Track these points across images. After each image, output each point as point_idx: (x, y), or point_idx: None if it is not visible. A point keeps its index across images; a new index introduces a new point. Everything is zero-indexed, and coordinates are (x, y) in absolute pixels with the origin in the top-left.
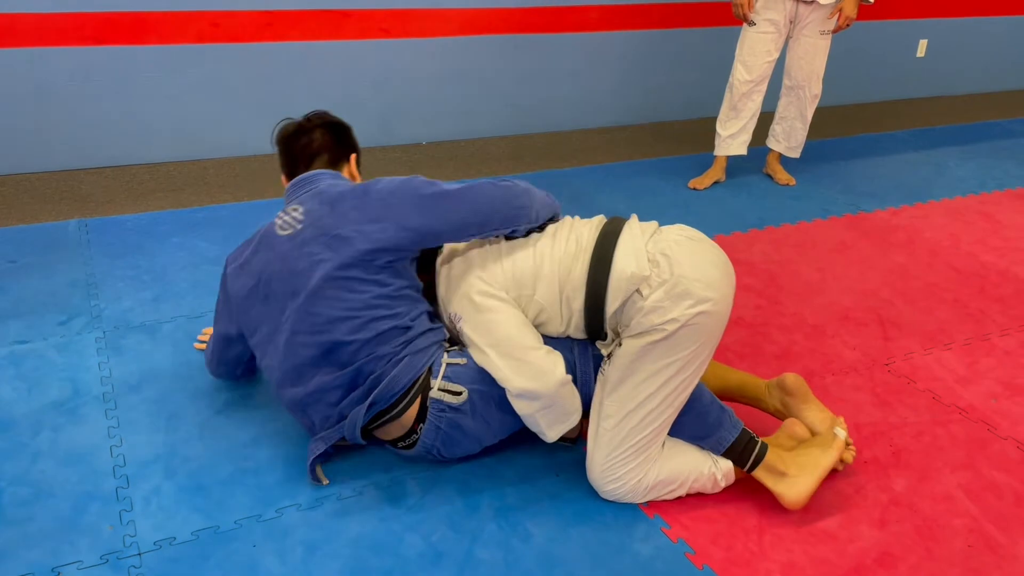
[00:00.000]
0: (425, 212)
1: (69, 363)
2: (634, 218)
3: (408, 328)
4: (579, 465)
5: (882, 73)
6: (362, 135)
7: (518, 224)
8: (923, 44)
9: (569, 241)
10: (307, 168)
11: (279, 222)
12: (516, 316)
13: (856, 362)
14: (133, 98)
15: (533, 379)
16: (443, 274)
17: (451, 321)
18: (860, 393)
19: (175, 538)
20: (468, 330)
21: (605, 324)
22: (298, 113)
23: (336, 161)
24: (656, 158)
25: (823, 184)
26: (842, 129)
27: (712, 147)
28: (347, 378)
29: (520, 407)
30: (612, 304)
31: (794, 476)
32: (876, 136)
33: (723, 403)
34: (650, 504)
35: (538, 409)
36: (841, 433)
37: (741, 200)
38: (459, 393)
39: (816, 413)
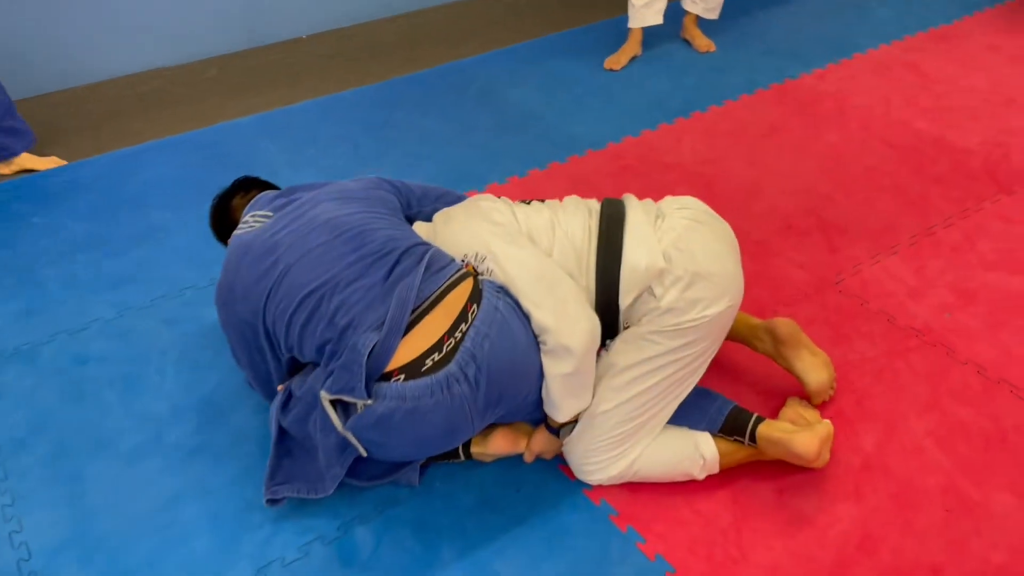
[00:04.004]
0: None
1: None
2: (632, 199)
3: None
4: (538, 473)
5: None
6: (227, 38)
7: None
8: None
9: (575, 218)
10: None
11: None
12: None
13: (805, 285)
14: None
15: (571, 326)
16: (437, 230)
17: (468, 262)
18: (815, 325)
19: None
20: (501, 268)
21: (620, 320)
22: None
23: None
24: (566, 30)
25: (744, 47)
26: None
27: (625, 8)
28: None
29: (551, 366)
30: (625, 298)
31: (802, 429)
32: None
33: None
34: (622, 514)
35: (569, 371)
36: (828, 423)
37: (661, 79)
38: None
39: (808, 359)
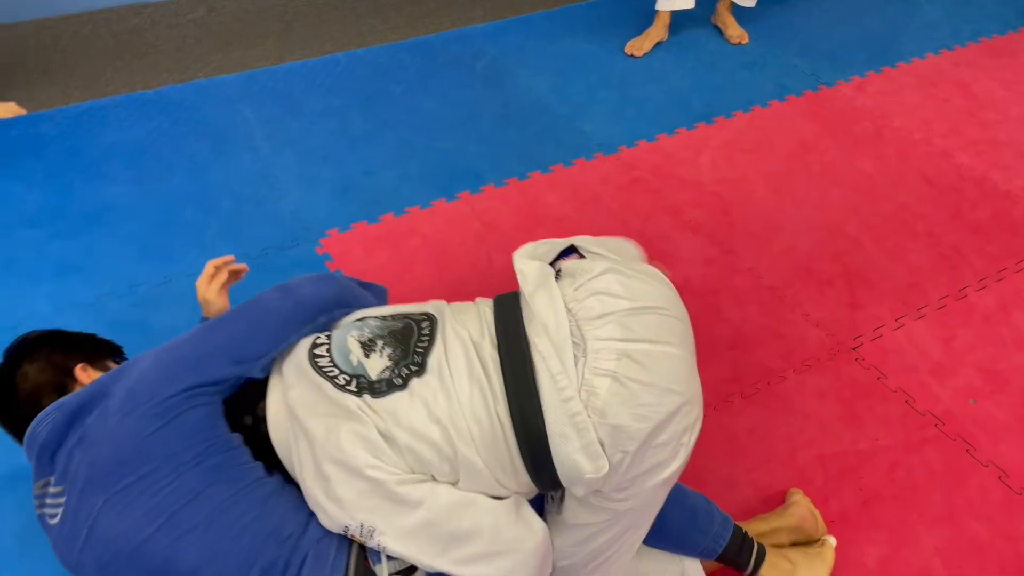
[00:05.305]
0: None
1: None
2: (535, 323)
3: None
4: None
5: None
6: None
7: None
8: None
9: (471, 395)
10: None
11: None
12: (448, 492)
13: (820, 348)
14: None
15: (514, 563)
16: (303, 471)
17: (353, 535)
18: (826, 402)
19: None
20: (399, 541)
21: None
22: None
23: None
24: (587, 1)
25: (778, 41)
26: None
27: None
28: None
29: None
30: (576, 491)
31: (803, 570)
32: None
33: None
34: None
35: None
36: (832, 541)
37: (686, 72)
38: (412, 569)
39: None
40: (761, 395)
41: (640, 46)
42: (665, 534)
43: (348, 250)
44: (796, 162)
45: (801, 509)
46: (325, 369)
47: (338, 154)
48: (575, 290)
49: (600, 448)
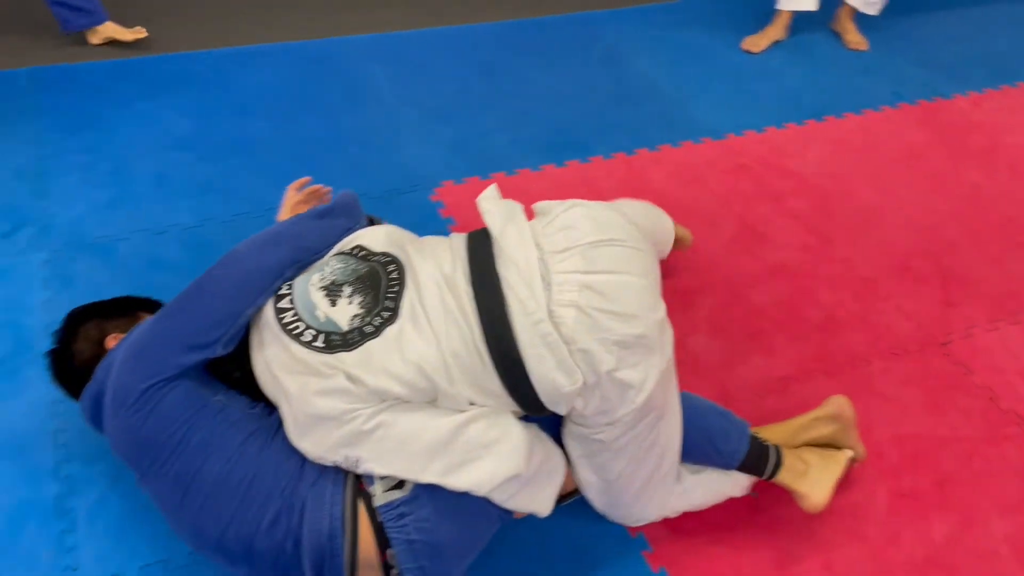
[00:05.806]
0: None
1: (10, 298)
2: (504, 258)
3: None
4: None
5: None
6: None
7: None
8: None
9: (448, 331)
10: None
11: None
12: (419, 409)
13: (909, 339)
14: None
15: (496, 462)
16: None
17: (341, 466)
18: (910, 389)
19: None
20: (383, 464)
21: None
22: None
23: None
24: None
25: (897, 50)
26: None
27: None
28: None
29: (500, 498)
30: (559, 410)
31: (816, 471)
32: None
33: (719, 406)
34: (656, 552)
35: (520, 488)
36: (849, 452)
37: (801, 72)
38: (400, 484)
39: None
40: (844, 375)
41: (757, 43)
42: (684, 454)
43: (460, 201)
44: (903, 166)
45: (840, 399)
46: (291, 327)
47: (457, 115)
48: (544, 226)
49: (573, 363)
